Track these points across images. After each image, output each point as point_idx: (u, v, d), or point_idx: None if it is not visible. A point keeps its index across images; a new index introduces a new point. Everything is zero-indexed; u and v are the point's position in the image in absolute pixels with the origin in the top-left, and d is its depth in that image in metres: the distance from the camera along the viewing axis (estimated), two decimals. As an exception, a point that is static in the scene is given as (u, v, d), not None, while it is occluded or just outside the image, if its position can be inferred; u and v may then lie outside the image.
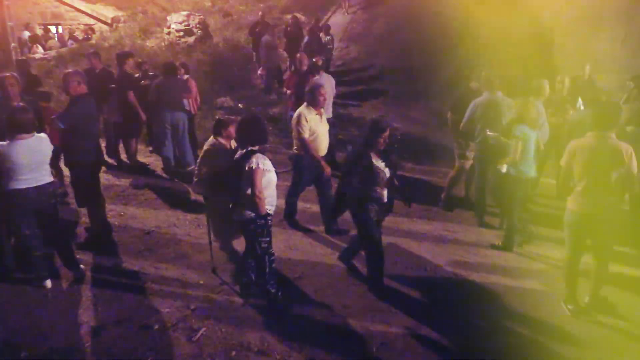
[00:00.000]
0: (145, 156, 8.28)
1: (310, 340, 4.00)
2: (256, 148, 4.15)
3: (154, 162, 8.14)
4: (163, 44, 13.49)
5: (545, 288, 4.87)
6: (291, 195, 6.07)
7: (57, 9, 17.32)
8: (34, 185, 4.31)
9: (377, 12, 16.99)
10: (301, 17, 16.42)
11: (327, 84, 7.29)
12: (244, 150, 4.16)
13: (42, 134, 4.48)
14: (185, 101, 7.69)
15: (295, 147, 5.75)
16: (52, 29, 17.11)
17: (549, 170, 6.90)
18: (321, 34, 12.54)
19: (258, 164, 4.03)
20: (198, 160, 5.02)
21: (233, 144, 4.83)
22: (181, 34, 13.45)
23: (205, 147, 4.92)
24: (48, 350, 3.86)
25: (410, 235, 5.94)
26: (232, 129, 4.77)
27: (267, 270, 4.38)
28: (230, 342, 3.98)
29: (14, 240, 5.11)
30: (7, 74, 5.21)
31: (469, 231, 6.12)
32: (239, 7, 17.43)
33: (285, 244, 5.62)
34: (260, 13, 13.43)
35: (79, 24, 17.06)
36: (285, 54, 12.79)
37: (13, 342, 3.96)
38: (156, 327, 4.16)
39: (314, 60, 7.74)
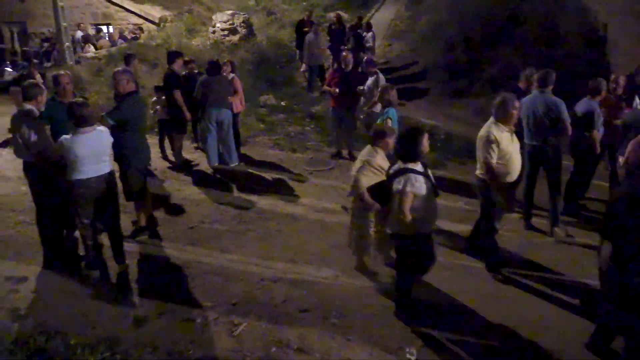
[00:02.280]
0: (190, 153, 8.45)
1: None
2: (409, 166, 3.93)
3: (199, 158, 8.31)
4: (208, 42, 13.74)
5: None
6: (487, 235, 4.97)
7: (108, 10, 17.92)
8: (95, 175, 4.50)
9: (421, 9, 16.75)
10: (344, 14, 16.36)
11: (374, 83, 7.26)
12: (397, 167, 4.01)
13: (102, 127, 4.65)
14: (230, 99, 7.80)
15: (480, 171, 4.79)
16: (104, 28, 17.72)
17: (602, 172, 6.64)
18: (363, 32, 12.47)
19: (405, 186, 3.85)
20: (355, 172, 4.60)
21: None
22: (226, 32, 13.66)
23: (361, 158, 4.61)
24: (95, 339, 4.00)
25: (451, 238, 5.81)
26: (389, 140, 4.60)
27: (401, 288, 4.34)
28: (269, 338, 4.02)
29: (65, 232, 5.37)
30: (62, 72, 5.43)
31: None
32: (282, 6, 17.55)
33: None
34: (306, 12, 13.47)
35: (128, 23, 17.59)
36: (328, 52, 12.77)
37: (62, 330, 4.13)
38: (198, 320, 4.26)
39: (367, 58, 7.67)
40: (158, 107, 7.93)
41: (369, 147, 4.66)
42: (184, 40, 13.84)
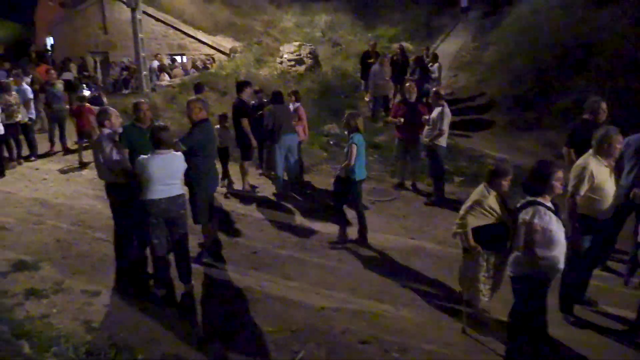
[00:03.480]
0: (255, 178, 8.67)
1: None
2: (538, 199, 3.74)
3: (263, 184, 8.51)
4: (275, 72, 14.19)
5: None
6: (575, 274, 4.60)
7: (183, 41, 18.92)
8: (166, 196, 4.73)
9: (488, 39, 16.55)
10: (408, 46, 16.45)
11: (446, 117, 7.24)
12: (525, 199, 3.82)
13: (178, 152, 4.92)
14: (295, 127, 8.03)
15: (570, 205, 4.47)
16: (178, 58, 18.69)
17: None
18: (429, 63, 12.45)
19: (533, 218, 3.65)
20: (463, 211, 4.38)
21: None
22: (292, 63, 14.08)
23: (473, 197, 4.37)
24: (160, 355, 4.14)
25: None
26: (504, 181, 4.26)
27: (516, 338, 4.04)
28: (328, 367, 4.00)
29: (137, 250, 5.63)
30: (142, 100, 5.80)
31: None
32: (348, 37, 17.88)
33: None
34: (371, 43, 13.67)
35: (200, 54, 18.47)
36: (391, 83, 12.83)
37: (131, 344, 4.31)
38: (258, 345, 4.30)
39: (435, 90, 7.66)
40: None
41: (481, 186, 4.38)
42: (253, 70, 14.36)
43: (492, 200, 4.25)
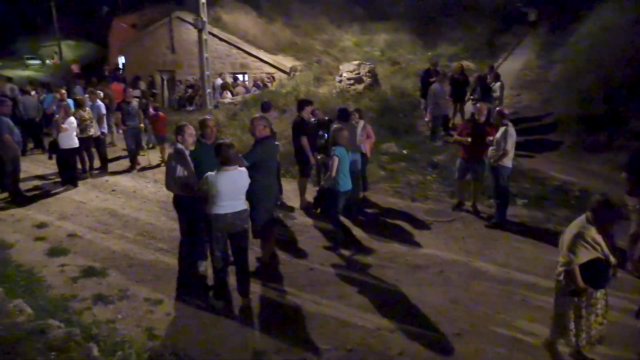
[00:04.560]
0: (312, 196, 8.71)
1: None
2: None
3: (320, 201, 8.55)
4: (334, 90, 14.33)
5: None
6: None
7: (245, 60, 19.57)
8: (231, 211, 4.85)
9: (554, 57, 16.01)
10: (470, 64, 16.20)
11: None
12: None
13: (243, 168, 5.04)
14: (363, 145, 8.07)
15: None
16: (240, 77, 19.32)
17: None
18: (490, 82, 12.17)
19: None
20: (568, 242, 4.02)
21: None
22: (351, 81, 14.16)
23: (573, 230, 4.03)
24: (218, 367, 4.21)
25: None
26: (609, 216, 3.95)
27: None
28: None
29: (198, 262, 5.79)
30: (208, 117, 6.02)
31: None
32: (407, 56, 17.85)
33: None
34: (432, 61, 13.57)
35: (261, 72, 19.02)
36: (451, 102, 12.64)
37: (189, 354, 4.42)
38: (313, 362, 4.29)
39: (499, 109, 7.47)
40: None
41: (583, 217, 4.05)
42: (312, 88, 14.58)
43: (594, 232, 3.93)
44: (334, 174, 6.39)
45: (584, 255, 3.90)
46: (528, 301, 5.29)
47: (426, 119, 12.41)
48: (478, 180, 7.83)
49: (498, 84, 12.08)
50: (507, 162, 7.10)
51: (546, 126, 12.15)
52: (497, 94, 11.98)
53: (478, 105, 7.95)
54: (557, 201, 8.16)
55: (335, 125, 7.13)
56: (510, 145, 7.00)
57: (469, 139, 7.46)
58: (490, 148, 7.24)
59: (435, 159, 10.25)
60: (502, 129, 7.06)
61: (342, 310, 5.16)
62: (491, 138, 7.25)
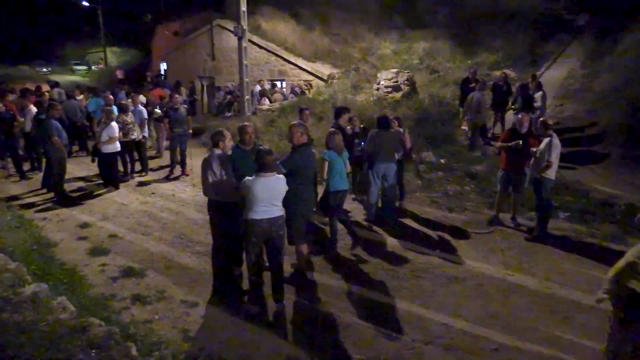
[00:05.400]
0: (348, 203, 8.69)
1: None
2: None
3: (355, 209, 8.52)
4: (371, 98, 14.29)
5: None
6: None
7: (283, 67, 19.77)
8: (268, 217, 4.89)
9: (600, 66, 15.50)
10: (511, 73, 15.85)
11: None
12: None
13: (280, 175, 5.05)
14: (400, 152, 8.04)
15: None
16: (278, 84, 19.52)
17: None
18: (532, 91, 11.88)
19: None
20: (617, 271, 3.75)
21: None
22: (389, 89, 14.10)
23: (633, 257, 3.71)
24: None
25: None
26: None
27: None
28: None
29: (233, 266, 5.83)
30: (247, 123, 6.08)
31: None
32: (446, 64, 17.61)
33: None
34: (471, 70, 13.37)
35: (299, 79, 19.16)
36: (491, 111, 12.41)
37: (223, 357, 4.45)
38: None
39: (542, 119, 7.26)
40: None
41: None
42: (349, 96, 14.59)
43: None
44: (325, 176, 6.60)
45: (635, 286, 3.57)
46: (570, 318, 5.10)
47: (464, 128, 12.22)
48: (519, 192, 7.64)
49: (539, 93, 11.77)
50: (551, 173, 6.90)
51: (591, 137, 11.75)
52: (538, 103, 11.67)
53: (519, 115, 7.75)
54: (601, 215, 7.88)
55: (330, 129, 7.17)
56: (555, 157, 6.80)
57: (520, 142, 7.20)
58: (533, 159, 7.06)
59: (473, 169, 10.06)
60: (546, 140, 6.88)
61: (376, 319, 5.10)
62: (534, 149, 7.06)
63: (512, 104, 12.02)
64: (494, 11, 20.16)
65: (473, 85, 11.82)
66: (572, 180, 9.29)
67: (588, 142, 11.58)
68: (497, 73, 14.95)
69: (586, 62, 16.79)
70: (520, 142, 7.20)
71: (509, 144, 7.32)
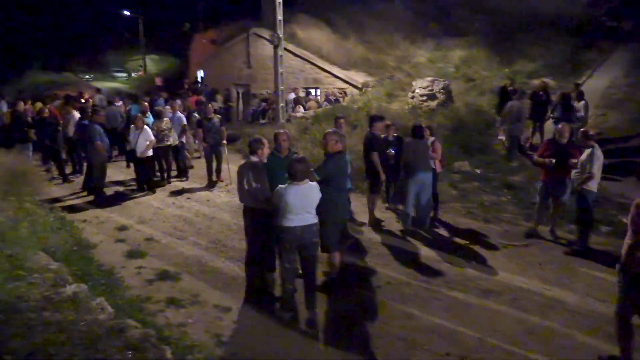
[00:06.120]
0: (382, 212, 8.64)
1: None
2: None
3: (389, 218, 8.44)
4: (406, 107, 14.19)
5: None
6: None
7: (318, 75, 19.85)
8: (301, 224, 4.90)
9: (645, 75, 15.00)
10: (550, 82, 15.48)
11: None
12: None
13: (314, 182, 5.07)
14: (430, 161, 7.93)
15: None
16: (312, 91, 19.62)
17: None
18: (573, 100, 11.55)
19: None
20: None
21: None
22: (424, 98, 13.97)
23: None
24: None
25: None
26: None
27: None
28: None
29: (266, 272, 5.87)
30: (282, 131, 6.12)
31: None
32: (483, 73, 17.35)
33: None
34: (508, 78, 13.13)
35: (334, 87, 19.20)
36: (529, 120, 12.12)
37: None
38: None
39: (584, 130, 7.05)
40: None
41: None
42: (384, 104, 14.53)
43: None
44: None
45: None
46: (612, 337, 4.88)
47: (501, 137, 11.99)
48: (559, 204, 7.42)
49: (582, 102, 11.45)
50: (593, 186, 6.68)
51: (634, 148, 11.35)
52: (580, 113, 11.35)
53: (560, 125, 7.54)
54: (646, 230, 7.55)
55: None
56: (597, 168, 6.58)
57: (553, 160, 7.06)
58: (574, 171, 6.85)
59: (511, 179, 9.85)
60: (587, 151, 6.67)
61: (409, 331, 5.02)
62: (575, 160, 6.86)
63: (552, 114, 11.72)
64: (533, 19, 19.80)
65: (512, 94, 11.56)
66: (614, 193, 8.96)
67: (631, 154, 11.18)
68: (536, 82, 14.64)
69: (630, 70, 16.28)
70: (554, 160, 7.03)
71: (544, 161, 7.16)
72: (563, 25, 19.26)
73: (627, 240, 4.23)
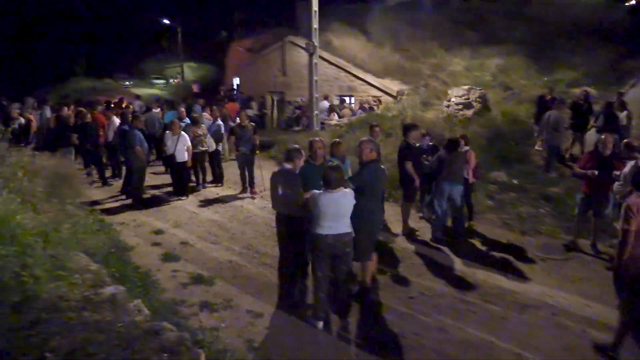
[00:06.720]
0: (415, 222, 8.54)
1: None
2: None
3: (422, 228, 8.34)
4: (441, 115, 14.01)
5: None
6: None
7: (352, 83, 19.86)
8: (334, 233, 4.89)
9: (693, 85, 14.39)
10: (592, 90, 15.02)
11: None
12: None
13: (349, 190, 5.05)
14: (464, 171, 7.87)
15: None
16: (346, 99, 19.63)
17: None
18: (616, 110, 11.17)
19: None
20: None
21: None
22: (460, 107, 13.77)
23: None
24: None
25: None
26: None
27: None
28: None
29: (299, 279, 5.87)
30: (317, 138, 6.14)
31: None
32: (521, 81, 16.98)
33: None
34: (547, 87, 12.82)
35: (368, 95, 19.15)
36: (569, 130, 11.78)
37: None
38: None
39: (627, 141, 6.83)
40: None
41: None
42: (419, 112, 14.38)
43: None
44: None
45: None
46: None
47: (538, 148, 11.71)
48: (600, 217, 7.17)
49: (625, 112, 11.08)
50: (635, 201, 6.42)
51: (682, 161, 10.87)
52: (623, 123, 10.97)
53: (603, 136, 7.30)
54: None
55: (334, 140, 7.27)
56: None
57: (595, 172, 6.83)
58: (617, 183, 6.62)
59: (549, 191, 9.58)
60: (631, 163, 6.44)
61: (443, 344, 4.94)
62: (618, 172, 6.63)
63: (594, 124, 11.37)
64: (573, 27, 19.32)
65: (551, 104, 11.27)
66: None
67: (679, 167, 10.71)
68: (577, 91, 14.24)
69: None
70: (597, 172, 6.81)
71: (586, 172, 6.94)
72: (605, 33, 18.70)
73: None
